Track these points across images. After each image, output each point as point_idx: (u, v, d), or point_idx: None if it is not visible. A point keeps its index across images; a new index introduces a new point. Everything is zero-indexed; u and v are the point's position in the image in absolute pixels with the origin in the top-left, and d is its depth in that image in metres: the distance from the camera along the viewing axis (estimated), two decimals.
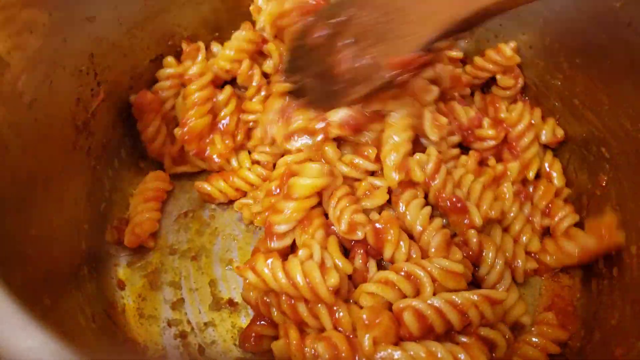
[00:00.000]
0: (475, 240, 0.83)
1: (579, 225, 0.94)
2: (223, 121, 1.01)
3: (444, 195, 0.83)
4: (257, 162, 1.03)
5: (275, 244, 0.84)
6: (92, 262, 0.92)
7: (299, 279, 0.72)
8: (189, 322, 0.92)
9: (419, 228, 0.81)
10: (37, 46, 0.77)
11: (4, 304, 0.51)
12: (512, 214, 0.91)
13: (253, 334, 0.83)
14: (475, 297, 0.72)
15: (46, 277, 0.75)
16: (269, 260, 0.74)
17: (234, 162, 1.03)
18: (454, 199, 0.83)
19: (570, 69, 0.96)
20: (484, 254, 0.84)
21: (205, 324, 0.92)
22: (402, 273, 0.76)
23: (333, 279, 0.71)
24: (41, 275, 0.74)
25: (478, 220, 0.83)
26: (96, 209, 0.97)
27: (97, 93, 0.94)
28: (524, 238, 0.91)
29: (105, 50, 0.93)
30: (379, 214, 0.85)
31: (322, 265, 0.74)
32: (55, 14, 0.79)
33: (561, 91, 1.00)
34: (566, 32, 0.94)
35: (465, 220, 0.84)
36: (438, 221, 0.82)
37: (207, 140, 1.00)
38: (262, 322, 0.82)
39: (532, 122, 1.00)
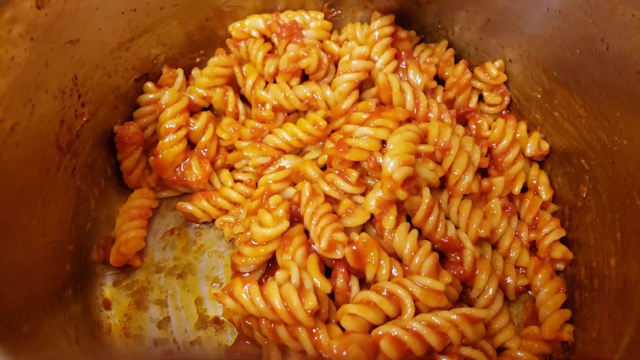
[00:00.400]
0: (469, 259, 0.84)
1: (564, 240, 0.95)
2: (204, 149, 1.01)
3: (436, 237, 0.84)
4: (240, 181, 1.03)
5: (250, 275, 0.85)
6: (77, 282, 0.92)
7: (277, 303, 0.71)
8: (175, 340, 0.92)
9: (408, 253, 0.81)
10: (19, 71, 0.77)
11: None
12: (500, 230, 0.92)
13: (238, 353, 0.83)
14: (455, 317, 0.72)
15: (27, 302, 0.75)
16: (246, 286, 0.74)
17: (216, 183, 1.03)
18: (446, 240, 0.84)
19: (550, 82, 0.97)
20: (476, 274, 0.84)
21: (191, 342, 0.92)
22: (384, 293, 0.76)
23: (311, 302, 0.71)
24: (22, 300, 0.74)
25: (469, 261, 0.83)
26: (82, 229, 0.97)
27: (81, 114, 0.94)
28: (513, 254, 0.92)
29: (88, 72, 0.93)
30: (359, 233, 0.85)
31: (300, 288, 0.74)
32: (36, 38, 0.80)
33: (541, 104, 1.01)
34: (544, 46, 0.96)
35: (457, 257, 0.85)
36: (427, 245, 0.82)
37: (184, 165, 1.00)
38: (247, 342, 0.82)
39: (517, 135, 1.01)
